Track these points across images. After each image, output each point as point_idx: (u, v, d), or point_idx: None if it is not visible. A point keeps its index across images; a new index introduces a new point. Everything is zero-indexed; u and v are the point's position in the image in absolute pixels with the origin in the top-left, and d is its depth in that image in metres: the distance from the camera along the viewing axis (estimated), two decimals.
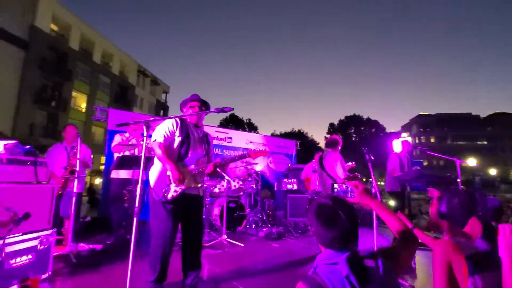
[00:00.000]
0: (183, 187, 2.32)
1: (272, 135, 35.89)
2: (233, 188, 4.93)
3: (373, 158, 3.40)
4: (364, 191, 1.39)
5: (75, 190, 3.29)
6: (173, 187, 2.30)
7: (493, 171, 36.43)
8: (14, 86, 17.97)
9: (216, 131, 7.10)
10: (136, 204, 1.63)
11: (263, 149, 2.70)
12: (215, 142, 6.93)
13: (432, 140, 51.73)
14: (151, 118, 1.79)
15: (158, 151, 2.28)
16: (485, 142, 50.78)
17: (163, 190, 2.30)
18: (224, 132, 7.28)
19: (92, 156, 4.27)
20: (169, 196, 2.29)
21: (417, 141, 50.58)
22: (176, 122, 2.38)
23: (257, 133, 24.55)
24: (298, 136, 35.71)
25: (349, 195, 1.49)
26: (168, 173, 2.31)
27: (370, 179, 3.21)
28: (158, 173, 2.35)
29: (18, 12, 18.06)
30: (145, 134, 1.68)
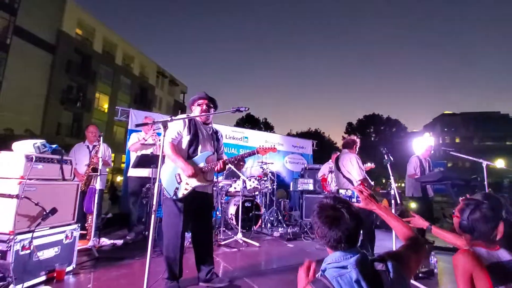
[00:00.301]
0: (193, 186, 2.37)
1: (288, 134, 35.66)
2: (248, 187, 4.96)
3: (392, 158, 3.31)
4: (369, 197, 1.38)
5: (97, 187, 3.44)
6: (183, 185, 2.37)
7: None
8: (43, 87, 18.95)
9: (232, 131, 7.17)
10: (154, 202, 1.68)
11: (272, 146, 2.73)
12: (232, 141, 6.99)
13: (457, 140, 49.42)
14: (169, 118, 1.83)
15: (168, 151, 2.35)
16: None
17: (174, 188, 2.36)
18: (240, 132, 7.33)
19: (113, 154, 4.44)
20: (180, 194, 2.36)
21: (440, 142, 48.54)
22: (184, 121, 2.44)
23: (273, 132, 24.50)
24: (314, 135, 35.27)
25: (354, 200, 1.49)
26: (179, 171, 2.37)
27: (390, 181, 3.12)
28: (169, 172, 2.41)
29: (46, 18, 19.03)
30: (162, 134, 1.73)
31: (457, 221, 1.47)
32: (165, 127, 1.75)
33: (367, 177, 3.55)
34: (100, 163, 3.44)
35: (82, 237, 3.58)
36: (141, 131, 4.30)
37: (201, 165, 2.45)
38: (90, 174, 3.70)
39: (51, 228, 2.54)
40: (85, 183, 3.74)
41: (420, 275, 2.90)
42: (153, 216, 1.63)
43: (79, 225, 2.83)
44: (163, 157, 2.51)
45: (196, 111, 2.59)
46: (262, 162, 5.66)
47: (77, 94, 21.72)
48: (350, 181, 3.57)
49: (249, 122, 38.20)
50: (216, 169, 2.44)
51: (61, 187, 2.67)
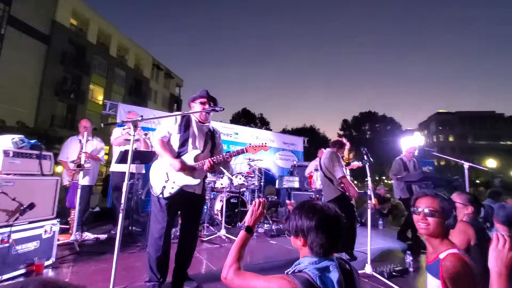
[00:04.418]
0: (180, 185, 2.32)
1: (284, 130, 35.74)
2: (235, 184, 5.00)
3: (372, 159, 3.36)
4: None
5: (80, 182, 3.45)
6: (170, 184, 2.32)
7: None
8: (37, 78, 18.73)
9: (222, 127, 7.18)
10: (122, 200, 1.70)
11: (263, 144, 2.61)
12: (222, 138, 7.00)
13: (451, 139, 49.80)
14: (139, 118, 1.84)
15: (157, 147, 2.35)
16: (509, 142, 48.41)
17: (161, 187, 2.32)
18: (231, 128, 7.35)
19: (107, 147, 4.46)
20: (166, 193, 2.31)
21: (434, 140, 48.90)
22: (176, 119, 2.42)
23: (267, 129, 24.51)
24: (309, 132, 35.40)
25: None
26: (167, 170, 2.33)
27: (367, 180, 3.18)
28: (157, 170, 2.40)
29: (41, 8, 18.72)
30: (132, 133, 1.74)
31: (436, 221, 1.35)
32: (136, 127, 1.76)
33: (346, 175, 3.57)
34: (83, 159, 3.44)
35: (65, 231, 3.62)
36: (124, 125, 4.27)
37: (189, 163, 2.39)
38: (77, 169, 3.67)
39: (30, 222, 2.57)
40: (73, 177, 3.75)
41: (393, 273, 2.98)
42: (121, 214, 1.65)
43: (59, 220, 2.85)
44: (146, 153, 2.51)
45: (196, 109, 2.51)
46: (250, 159, 5.70)
47: (72, 86, 21.51)
48: (331, 181, 3.62)
49: (245, 117, 38.18)
50: (205, 168, 2.37)
51: (40, 182, 2.69)
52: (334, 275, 0.98)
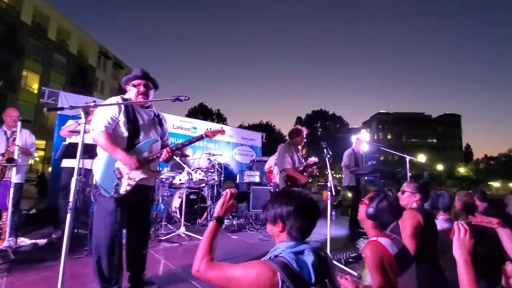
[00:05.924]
0: (137, 179, 2.11)
1: (240, 126, 35.83)
2: (194, 179, 4.83)
3: (331, 153, 3.52)
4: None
5: (13, 179, 2.99)
6: (125, 180, 2.08)
7: (440, 167, 40.13)
8: None
9: (180, 121, 6.90)
10: (71, 198, 1.49)
11: (221, 128, 2.53)
12: (180, 132, 6.74)
13: (389, 136, 55.34)
14: (92, 103, 1.61)
15: (102, 141, 2.00)
16: (434, 140, 55.61)
17: (114, 184, 2.04)
18: (189, 122, 7.10)
19: (44, 142, 3.92)
20: (122, 191, 2.06)
21: (375, 137, 53.73)
22: (119, 106, 2.11)
23: (225, 123, 24.39)
24: (265, 128, 36.10)
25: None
26: (118, 165, 2.07)
27: (327, 174, 3.33)
28: (104, 166, 2.08)
29: None
30: (83, 121, 1.53)
31: (364, 208, 1.63)
32: (87, 114, 1.54)
33: (289, 168, 3.60)
34: (17, 152, 2.98)
35: None
36: (80, 117, 3.81)
37: (145, 154, 2.16)
38: (5, 164, 3.18)
39: None
40: (3, 175, 3.22)
41: (350, 260, 3.18)
42: (69, 215, 1.44)
43: None
44: (94, 147, 2.21)
45: (131, 92, 2.23)
46: (209, 154, 5.57)
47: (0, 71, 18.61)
48: (280, 172, 3.73)
49: (202, 112, 37.36)
50: (162, 158, 2.18)
51: None
52: (309, 258, 1.02)
